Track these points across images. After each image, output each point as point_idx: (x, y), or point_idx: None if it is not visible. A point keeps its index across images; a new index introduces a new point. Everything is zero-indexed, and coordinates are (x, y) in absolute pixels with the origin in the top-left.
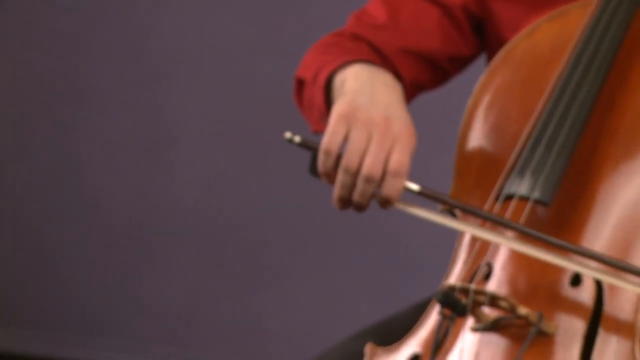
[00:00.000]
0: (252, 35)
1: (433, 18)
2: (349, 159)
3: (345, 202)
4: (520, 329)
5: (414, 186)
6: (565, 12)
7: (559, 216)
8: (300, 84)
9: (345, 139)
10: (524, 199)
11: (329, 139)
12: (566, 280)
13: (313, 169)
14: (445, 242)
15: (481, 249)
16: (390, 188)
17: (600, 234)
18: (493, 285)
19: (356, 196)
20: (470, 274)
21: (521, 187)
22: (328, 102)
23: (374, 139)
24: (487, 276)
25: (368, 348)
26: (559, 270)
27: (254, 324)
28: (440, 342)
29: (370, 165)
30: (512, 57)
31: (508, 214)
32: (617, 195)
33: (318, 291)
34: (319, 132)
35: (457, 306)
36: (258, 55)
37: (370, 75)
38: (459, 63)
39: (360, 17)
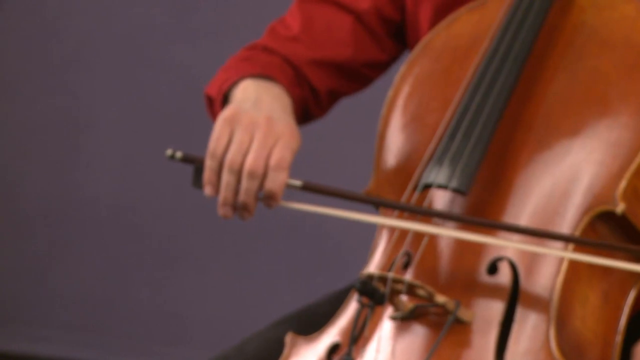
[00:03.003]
0: (166, 20)
1: (346, 27)
2: (233, 158)
3: (230, 205)
4: (438, 317)
5: (297, 182)
6: (483, 3)
7: (477, 205)
8: (210, 100)
9: (230, 141)
10: (442, 188)
11: (214, 143)
12: (483, 268)
13: (197, 182)
14: (367, 230)
15: (399, 238)
16: (272, 182)
17: (517, 223)
18: (412, 274)
19: (241, 196)
20: (389, 263)
21: (439, 176)
22: None
23: (256, 137)
24: (406, 265)
25: (289, 338)
26: (476, 258)
27: (172, 311)
28: (360, 330)
29: (253, 161)
30: (432, 48)
31: (426, 203)
32: (533, 185)
33: (237, 278)
34: None
35: (375, 294)
36: (173, 40)
37: (257, 87)
38: (377, 67)
39: (276, 28)
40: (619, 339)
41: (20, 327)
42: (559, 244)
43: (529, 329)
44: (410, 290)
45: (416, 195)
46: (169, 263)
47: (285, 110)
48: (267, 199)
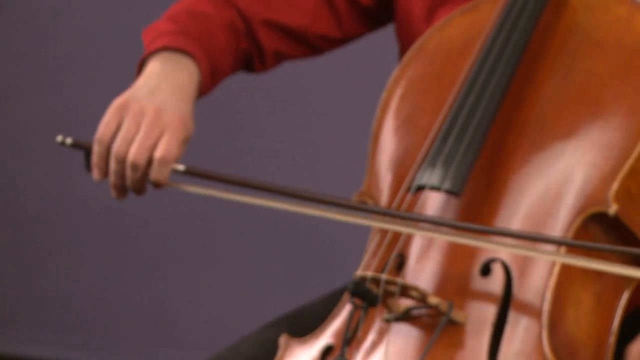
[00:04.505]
0: None
1: None
2: (118, 147)
3: (121, 189)
4: (432, 319)
5: (181, 167)
6: (477, 5)
7: (470, 207)
8: None
9: (118, 129)
10: (435, 189)
11: (102, 129)
12: (476, 270)
13: (88, 166)
14: (362, 231)
15: (393, 239)
16: (156, 174)
17: (510, 225)
18: (405, 276)
19: (128, 183)
20: (382, 264)
21: (432, 178)
22: None
23: (142, 128)
24: (400, 266)
25: (283, 339)
26: (470, 260)
27: (167, 312)
28: (353, 332)
29: (136, 153)
30: (425, 51)
31: (419, 205)
32: (527, 186)
33: (232, 279)
34: None
35: (368, 296)
36: None
37: (160, 74)
38: (331, 42)
39: None
40: (612, 340)
41: (15, 329)
42: (551, 247)
43: (522, 330)
44: (404, 291)
45: (409, 196)
46: (163, 265)
47: (182, 100)
48: (154, 184)
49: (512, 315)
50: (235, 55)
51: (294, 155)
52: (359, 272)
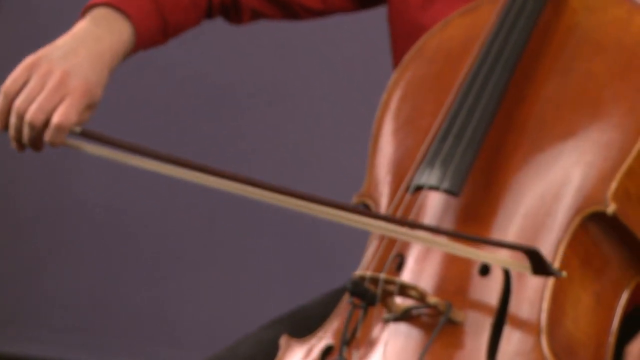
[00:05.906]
0: None
1: None
2: (19, 104)
3: (19, 143)
4: (430, 319)
5: (77, 128)
6: (476, 6)
7: (469, 207)
8: None
9: (25, 85)
10: (434, 189)
11: (9, 83)
12: (475, 270)
13: None
14: (362, 231)
15: (392, 239)
16: (50, 137)
17: (509, 225)
18: (405, 276)
19: (25, 139)
20: (382, 264)
21: (431, 177)
22: None
23: (45, 89)
24: (400, 266)
25: (283, 340)
26: (468, 260)
27: (167, 312)
28: (352, 332)
29: (33, 113)
30: (425, 52)
31: (418, 205)
32: (526, 186)
33: (232, 279)
34: None
35: (366, 295)
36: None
37: (83, 36)
38: (311, 12)
39: None
40: (611, 339)
41: (15, 329)
42: (548, 249)
43: (521, 330)
44: (402, 291)
45: (408, 196)
46: (163, 265)
47: (95, 67)
48: (49, 144)
49: (511, 315)
50: (204, 8)
51: (295, 156)
52: (358, 272)
